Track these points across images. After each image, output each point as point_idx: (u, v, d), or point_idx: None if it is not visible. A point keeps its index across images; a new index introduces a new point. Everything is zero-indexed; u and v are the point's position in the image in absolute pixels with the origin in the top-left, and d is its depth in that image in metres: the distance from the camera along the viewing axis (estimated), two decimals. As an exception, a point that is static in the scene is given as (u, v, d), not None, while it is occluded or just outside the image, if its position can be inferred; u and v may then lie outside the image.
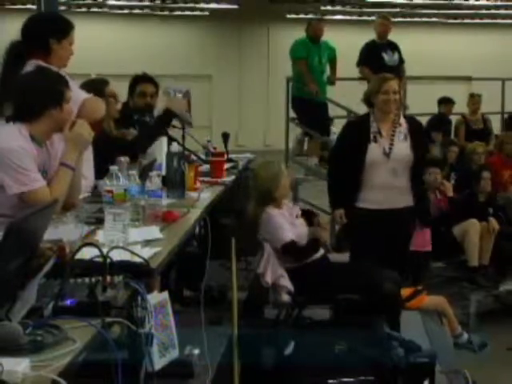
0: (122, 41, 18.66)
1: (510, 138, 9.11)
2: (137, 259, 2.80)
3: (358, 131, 5.66)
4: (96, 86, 4.75)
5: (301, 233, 5.22)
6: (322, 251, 5.33)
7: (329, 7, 17.51)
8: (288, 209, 5.31)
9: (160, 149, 4.81)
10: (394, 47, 9.88)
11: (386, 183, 5.53)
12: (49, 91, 3.61)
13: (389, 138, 5.54)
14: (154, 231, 3.50)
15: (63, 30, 4.29)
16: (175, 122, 5.28)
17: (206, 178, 5.17)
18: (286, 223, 5.11)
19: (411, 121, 5.82)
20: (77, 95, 3.94)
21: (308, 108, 9.50)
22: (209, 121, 19.13)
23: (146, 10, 19.16)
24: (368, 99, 5.69)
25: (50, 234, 2.71)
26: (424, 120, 11.05)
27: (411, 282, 6.09)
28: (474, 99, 10.56)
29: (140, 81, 5.82)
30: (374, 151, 5.52)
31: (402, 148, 5.54)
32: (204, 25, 20.10)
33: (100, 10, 18.60)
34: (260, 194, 5.19)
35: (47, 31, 4.26)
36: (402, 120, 5.67)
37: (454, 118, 10.95)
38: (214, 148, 5.99)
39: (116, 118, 5.14)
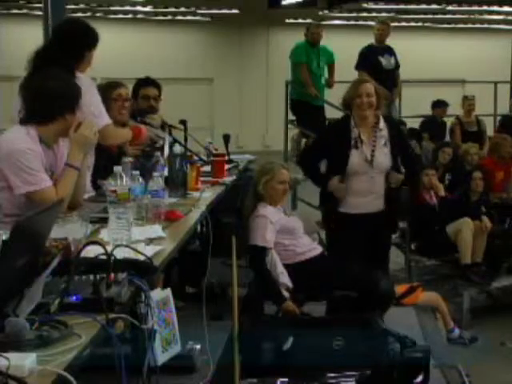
0: (126, 45, 18.66)
1: (503, 140, 9.20)
2: (140, 257, 2.82)
3: (339, 135, 5.59)
4: (103, 89, 4.82)
5: (290, 224, 5.28)
6: (320, 249, 5.40)
7: (326, 12, 17.59)
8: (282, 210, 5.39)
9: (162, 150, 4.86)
10: (390, 51, 9.95)
11: (367, 189, 5.53)
12: (67, 96, 3.68)
13: (370, 145, 5.49)
14: (156, 230, 3.53)
15: (95, 40, 4.43)
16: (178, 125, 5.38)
17: (207, 178, 5.19)
18: (271, 226, 5.14)
19: (390, 123, 5.74)
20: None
21: (306, 110, 9.60)
22: (210, 123, 19.17)
23: (149, 15, 19.26)
24: (346, 103, 5.64)
25: (55, 233, 2.73)
26: (418, 122, 11.24)
27: None
28: (468, 101, 10.63)
29: (143, 84, 5.89)
30: (355, 159, 5.48)
31: (383, 155, 5.51)
32: (205, 29, 20.09)
33: (105, 15, 18.74)
34: (252, 186, 5.31)
35: (84, 38, 4.40)
36: (382, 123, 5.57)
37: (448, 121, 11.03)
38: (216, 149, 6.03)
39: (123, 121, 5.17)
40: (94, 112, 4.15)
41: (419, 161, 6.37)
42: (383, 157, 5.52)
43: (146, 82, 5.91)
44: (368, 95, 5.51)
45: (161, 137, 5.28)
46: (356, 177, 5.53)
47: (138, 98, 5.81)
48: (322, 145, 5.81)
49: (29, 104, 3.74)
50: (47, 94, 3.66)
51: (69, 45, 4.38)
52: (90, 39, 4.43)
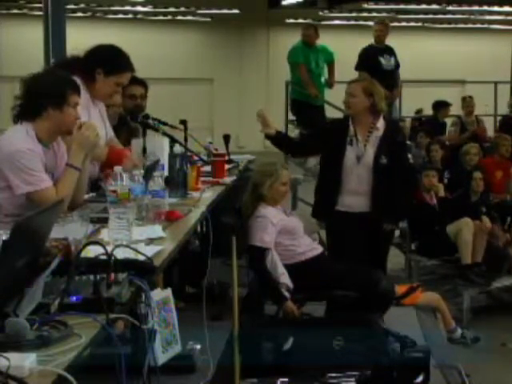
0: (126, 45, 18.61)
1: (503, 140, 9.21)
2: (140, 257, 2.82)
3: (337, 131, 5.59)
4: None
5: (291, 224, 5.28)
6: (320, 249, 5.40)
7: (326, 12, 17.63)
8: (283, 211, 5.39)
9: (162, 150, 4.84)
10: (390, 52, 9.97)
11: (357, 187, 5.47)
12: (50, 91, 3.65)
13: (363, 143, 5.46)
14: (157, 230, 3.54)
15: (116, 66, 4.39)
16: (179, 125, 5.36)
17: (207, 179, 5.21)
18: (272, 226, 5.14)
19: (390, 125, 5.69)
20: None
21: (306, 110, 9.62)
22: (210, 123, 19.18)
23: (149, 15, 19.30)
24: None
25: (56, 233, 2.73)
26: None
27: None
28: (467, 101, 10.69)
29: (129, 83, 5.78)
30: (348, 155, 5.45)
31: (371, 153, 5.45)
32: (205, 29, 20.13)
33: (105, 15, 18.77)
34: (252, 186, 5.29)
35: (99, 59, 4.36)
36: (381, 124, 5.51)
37: (449, 120, 11.05)
38: (216, 149, 6.02)
39: None
40: None
41: (414, 177, 6.38)
42: (371, 155, 5.47)
43: (132, 81, 5.80)
44: (349, 94, 5.53)
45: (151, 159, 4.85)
46: (347, 174, 5.49)
47: (124, 96, 5.70)
48: (320, 136, 5.80)
49: (21, 99, 3.74)
50: (34, 90, 3.67)
51: (86, 58, 4.39)
52: (108, 61, 4.37)
